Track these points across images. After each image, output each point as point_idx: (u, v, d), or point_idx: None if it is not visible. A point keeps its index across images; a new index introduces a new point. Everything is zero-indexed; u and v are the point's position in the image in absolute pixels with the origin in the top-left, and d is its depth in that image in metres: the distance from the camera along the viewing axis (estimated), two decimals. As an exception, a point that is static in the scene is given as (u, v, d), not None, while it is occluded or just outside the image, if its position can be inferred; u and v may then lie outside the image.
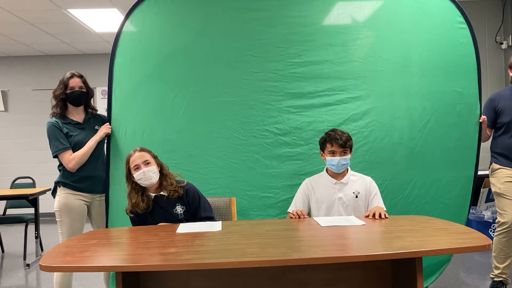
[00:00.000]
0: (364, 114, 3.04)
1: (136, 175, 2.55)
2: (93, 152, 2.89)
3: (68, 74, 2.93)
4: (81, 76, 2.96)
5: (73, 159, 2.83)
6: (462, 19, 3.04)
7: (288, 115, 3.04)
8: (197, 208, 2.65)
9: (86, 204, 2.93)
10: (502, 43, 5.74)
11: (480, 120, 3.05)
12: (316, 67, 3.05)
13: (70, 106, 2.94)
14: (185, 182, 2.69)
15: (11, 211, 5.29)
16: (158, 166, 2.61)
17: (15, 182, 5.52)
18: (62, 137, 2.84)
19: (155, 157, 2.65)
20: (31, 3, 4.91)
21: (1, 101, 7.43)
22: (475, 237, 2.06)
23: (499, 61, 5.77)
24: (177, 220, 2.61)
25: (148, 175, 2.55)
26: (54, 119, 2.90)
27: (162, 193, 2.64)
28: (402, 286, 2.22)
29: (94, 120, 3.02)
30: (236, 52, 3.04)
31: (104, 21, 5.70)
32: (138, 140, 2.98)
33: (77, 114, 2.97)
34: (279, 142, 3.04)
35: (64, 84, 2.90)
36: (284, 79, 3.04)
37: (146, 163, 2.56)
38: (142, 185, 2.59)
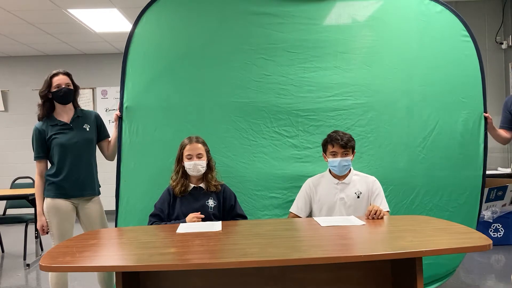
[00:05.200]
0: (370, 120, 3.09)
1: (187, 164, 2.71)
2: (78, 156, 2.86)
3: (52, 72, 2.86)
4: (67, 74, 2.89)
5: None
6: (466, 32, 3.13)
7: (296, 118, 3.09)
8: (233, 206, 2.78)
9: (73, 205, 2.88)
10: (502, 43, 5.74)
11: (485, 115, 3.07)
12: (325, 73, 3.12)
13: (57, 105, 2.88)
14: (223, 182, 2.83)
15: (11, 211, 5.29)
16: (207, 160, 2.75)
17: (15, 182, 5.52)
18: (40, 145, 2.84)
19: (207, 151, 2.78)
20: (31, 3, 4.91)
21: (1, 101, 7.44)
22: (475, 237, 2.06)
23: (499, 61, 5.77)
24: (206, 212, 2.68)
25: (197, 168, 2.70)
26: (40, 123, 2.86)
27: (201, 185, 2.76)
28: (402, 286, 2.22)
29: (82, 119, 2.95)
30: (249, 54, 3.11)
31: (104, 21, 5.70)
32: (149, 136, 3.02)
33: (65, 114, 2.90)
34: (287, 144, 3.08)
35: (47, 83, 2.84)
36: (294, 83, 3.10)
37: (199, 156, 2.71)
38: (189, 174, 2.73)
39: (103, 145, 3.08)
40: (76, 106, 2.97)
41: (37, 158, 2.87)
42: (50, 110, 2.88)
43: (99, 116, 3.09)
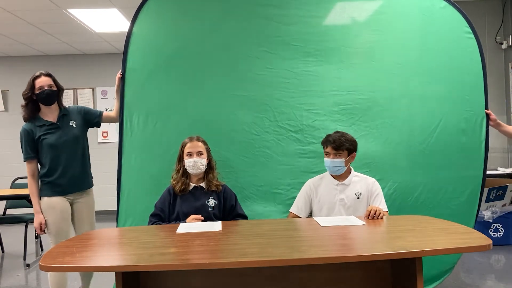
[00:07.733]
0: (375, 115, 3.06)
1: (187, 162, 2.72)
2: (70, 153, 2.90)
3: (34, 74, 2.88)
4: (49, 75, 2.90)
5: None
6: (469, 29, 3.11)
7: (300, 112, 3.06)
8: (233, 206, 2.78)
9: (68, 201, 2.93)
10: (502, 43, 5.74)
11: (487, 112, 3.06)
12: (330, 67, 3.08)
13: (42, 106, 2.90)
14: (224, 182, 2.83)
15: (11, 211, 5.28)
16: (207, 159, 2.76)
17: (15, 182, 5.51)
18: (30, 145, 2.86)
19: (208, 150, 2.79)
20: (31, 3, 4.90)
21: (1, 101, 7.43)
22: (475, 237, 2.06)
23: (499, 61, 5.77)
24: (206, 211, 2.69)
25: (197, 166, 2.71)
26: (27, 124, 2.88)
27: (201, 184, 2.77)
28: (402, 286, 2.22)
29: (68, 117, 2.97)
30: (252, 47, 3.07)
31: (104, 21, 5.70)
32: (150, 129, 3.01)
33: (50, 114, 2.92)
34: (291, 139, 3.05)
35: (30, 85, 2.85)
36: (298, 77, 3.07)
37: (200, 153, 2.73)
38: (189, 172, 2.73)
39: (104, 119, 3.13)
40: (60, 105, 2.99)
41: (27, 158, 2.88)
42: (36, 111, 2.91)
43: (81, 106, 3.11)
